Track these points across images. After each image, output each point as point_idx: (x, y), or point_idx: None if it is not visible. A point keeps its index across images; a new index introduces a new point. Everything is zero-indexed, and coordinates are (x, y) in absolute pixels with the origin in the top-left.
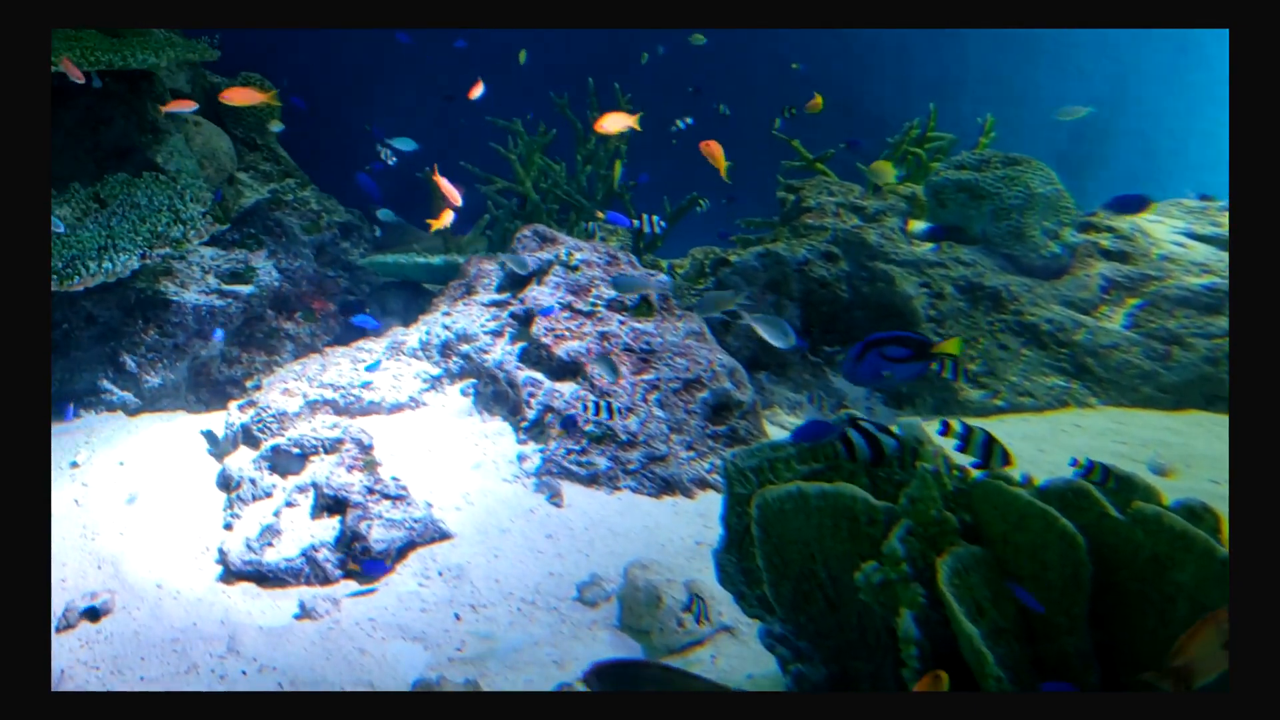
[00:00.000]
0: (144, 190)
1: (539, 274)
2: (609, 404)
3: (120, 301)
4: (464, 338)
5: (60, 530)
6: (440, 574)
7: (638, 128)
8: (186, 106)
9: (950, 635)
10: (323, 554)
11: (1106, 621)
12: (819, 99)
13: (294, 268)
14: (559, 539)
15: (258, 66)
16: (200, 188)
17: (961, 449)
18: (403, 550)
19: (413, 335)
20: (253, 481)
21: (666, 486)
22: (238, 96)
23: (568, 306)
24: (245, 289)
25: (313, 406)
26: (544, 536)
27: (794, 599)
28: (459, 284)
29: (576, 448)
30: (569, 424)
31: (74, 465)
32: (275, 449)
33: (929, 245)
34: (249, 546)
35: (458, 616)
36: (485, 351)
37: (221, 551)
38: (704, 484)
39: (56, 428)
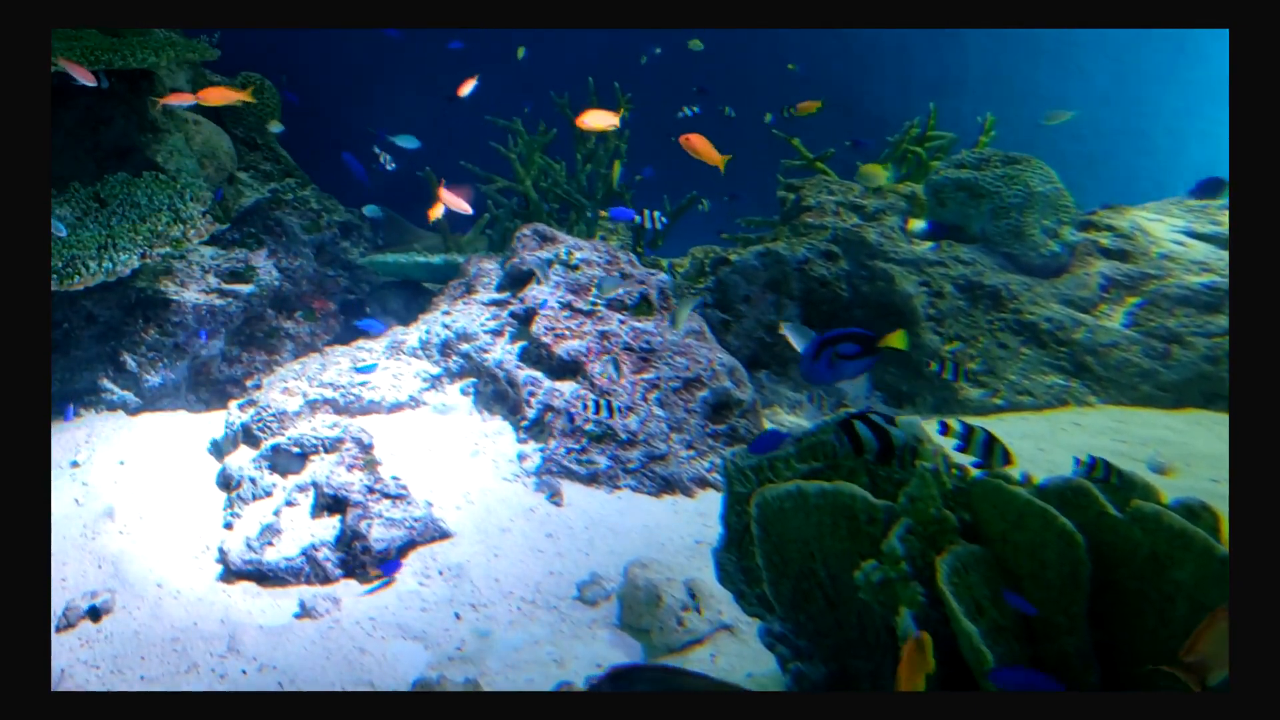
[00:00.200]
0: (144, 190)
1: (539, 271)
2: (609, 403)
3: (120, 301)
4: (464, 337)
5: (60, 530)
6: (440, 573)
7: (617, 124)
8: (185, 100)
9: (950, 634)
10: (323, 553)
11: (1106, 620)
12: (814, 103)
13: (294, 267)
14: (559, 538)
15: (258, 66)
16: (200, 187)
17: (962, 449)
18: (403, 549)
19: (413, 334)
20: (253, 481)
21: (666, 485)
22: (213, 96)
23: (567, 305)
24: (245, 288)
25: (313, 406)
26: (544, 535)
27: (793, 597)
28: (459, 283)
29: (576, 447)
30: (569, 423)
31: (74, 465)
32: (275, 448)
33: (929, 244)
34: (249, 546)
35: (458, 616)
36: (485, 350)
37: (222, 551)
38: (704, 483)
39: (56, 427)
